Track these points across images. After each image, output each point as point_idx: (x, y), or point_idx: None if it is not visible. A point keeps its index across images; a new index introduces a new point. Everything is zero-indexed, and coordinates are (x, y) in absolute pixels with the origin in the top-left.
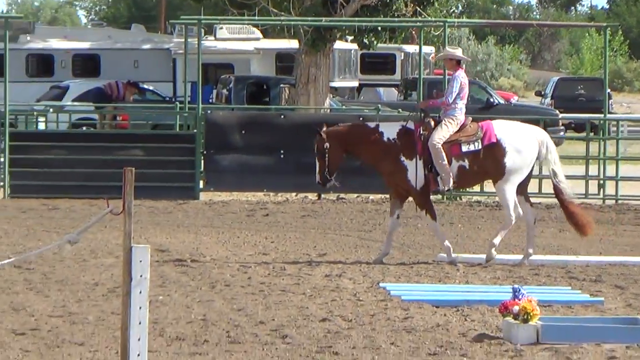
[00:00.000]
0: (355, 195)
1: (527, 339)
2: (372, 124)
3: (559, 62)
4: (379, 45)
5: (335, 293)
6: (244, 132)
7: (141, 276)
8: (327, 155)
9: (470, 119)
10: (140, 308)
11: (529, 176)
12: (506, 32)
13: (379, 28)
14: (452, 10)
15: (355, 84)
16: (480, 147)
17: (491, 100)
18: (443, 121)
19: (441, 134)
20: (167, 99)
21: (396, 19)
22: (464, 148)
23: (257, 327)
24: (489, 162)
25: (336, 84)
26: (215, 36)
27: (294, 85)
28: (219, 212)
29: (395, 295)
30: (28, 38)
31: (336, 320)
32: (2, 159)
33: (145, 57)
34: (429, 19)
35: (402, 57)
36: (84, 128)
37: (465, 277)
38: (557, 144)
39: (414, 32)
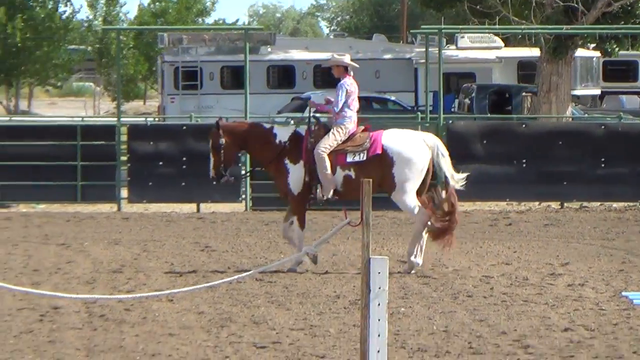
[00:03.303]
0: (599, 203)
1: None
2: (268, 125)
3: None
4: (621, 52)
5: (577, 302)
6: (485, 141)
7: (380, 288)
8: (222, 151)
9: (362, 128)
10: (379, 320)
11: (425, 183)
12: None
13: (621, 35)
14: None
15: (598, 91)
16: (365, 157)
17: None
18: (332, 130)
19: (327, 143)
20: (409, 108)
21: (638, 26)
22: (349, 158)
23: (499, 337)
24: (378, 172)
25: (578, 92)
26: (456, 45)
27: (535, 93)
28: (461, 222)
29: (638, 304)
30: (269, 49)
31: (578, 330)
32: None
33: (387, 67)
34: None
35: None
36: None
37: None
38: None
39: None
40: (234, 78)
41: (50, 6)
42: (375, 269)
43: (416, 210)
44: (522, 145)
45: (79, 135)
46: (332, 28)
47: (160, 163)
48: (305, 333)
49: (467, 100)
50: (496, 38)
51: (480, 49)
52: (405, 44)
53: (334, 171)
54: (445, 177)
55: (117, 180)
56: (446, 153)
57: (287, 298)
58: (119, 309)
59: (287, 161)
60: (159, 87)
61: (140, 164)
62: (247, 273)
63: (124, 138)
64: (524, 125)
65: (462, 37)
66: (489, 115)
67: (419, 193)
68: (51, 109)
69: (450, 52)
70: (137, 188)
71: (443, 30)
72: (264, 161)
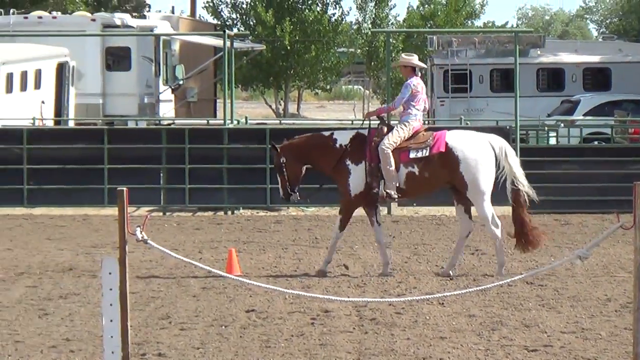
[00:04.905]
0: None
1: None
2: (327, 133)
3: None
4: None
5: None
6: None
7: None
8: (284, 170)
9: (426, 127)
10: None
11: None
12: None
13: None
14: None
15: None
16: (427, 153)
17: None
18: (396, 127)
19: (392, 140)
20: None
21: None
22: (412, 154)
23: None
24: (442, 171)
25: None
26: None
27: None
28: None
29: None
30: (539, 52)
31: None
32: None
33: None
34: None
35: None
36: (596, 142)
37: None
38: None
39: None
40: (504, 81)
41: (319, 8)
42: None
43: (490, 219)
44: None
45: None
46: (601, 30)
47: None
48: (577, 336)
49: None
50: None
51: None
52: None
53: (397, 168)
54: (513, 181)
55: None
56: (514, 154)
57: (558, 301)
58: (389, 312)
59: (348, 162)
60: (429, 90)
61: None
62: (518, 276)
63: None
64: None
65: None
66: None
67: (463, 195)
68: (320, 112)
69: None
70: None
71: None
72: (327, 167)
